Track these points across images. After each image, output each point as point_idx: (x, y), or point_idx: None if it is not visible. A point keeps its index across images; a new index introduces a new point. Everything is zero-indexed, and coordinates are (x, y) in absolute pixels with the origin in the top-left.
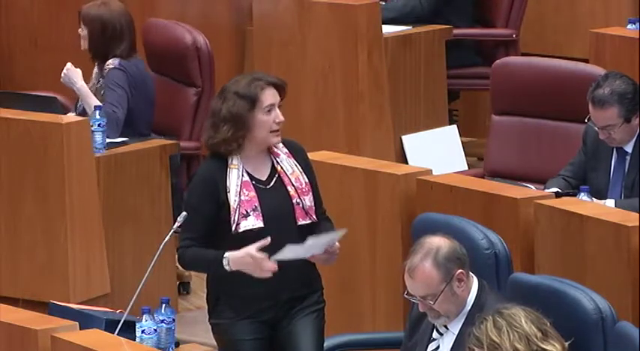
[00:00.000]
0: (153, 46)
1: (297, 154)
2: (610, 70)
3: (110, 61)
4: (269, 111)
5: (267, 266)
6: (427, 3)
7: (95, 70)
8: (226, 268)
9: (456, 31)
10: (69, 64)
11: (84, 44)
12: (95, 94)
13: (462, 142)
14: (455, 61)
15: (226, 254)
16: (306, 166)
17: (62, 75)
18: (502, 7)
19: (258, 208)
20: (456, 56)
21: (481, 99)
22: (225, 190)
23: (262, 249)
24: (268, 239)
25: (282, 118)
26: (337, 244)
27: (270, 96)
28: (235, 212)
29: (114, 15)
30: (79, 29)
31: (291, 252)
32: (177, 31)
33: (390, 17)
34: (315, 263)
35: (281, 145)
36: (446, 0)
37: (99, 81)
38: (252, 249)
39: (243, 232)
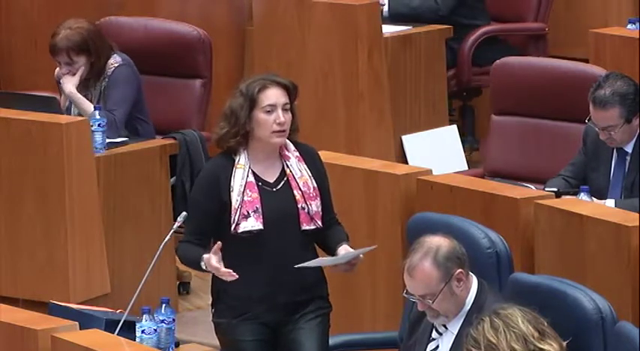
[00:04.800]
0: (149, 45)
1: (309, 158)
2: (611, 71)
3: (110, 60)
4: (269, 111)
5: (223, 273)
6: (443, 4)
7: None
8: (204, 269)
9: (489, 28)
10: (57, 70)
11: (82, 75)
12: (101, 100)
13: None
14: (490, 57)
15: (203, 256)
16: (318, 172)
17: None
18: (532, 2)
19: (260, 209)
20: (491, 53)
21: (481, 99)
22: (228, 190)
23: (264, 253)
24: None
25: (282, 118)
26: (361, 256)
27: (271, 96)
28: (236, 212)
29: (90, 26)
30: (66, 68)
31: (318, 262)
32: (178, 26)
33: (402, 13)
34: (323, 269)
35: (293, 148)
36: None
37: (102, 85)
38: (211, 258)
39: (242, 233)
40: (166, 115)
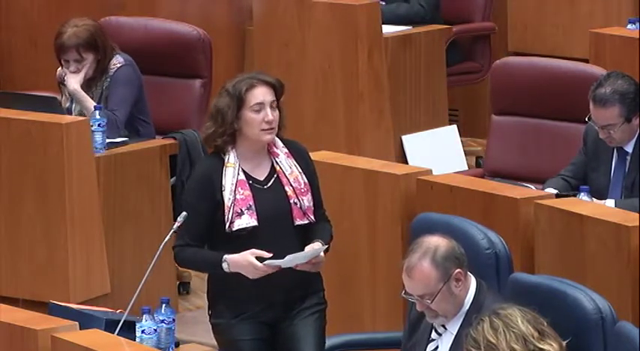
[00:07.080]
0: (149, 45)
1: (298, 154)
2: (612, 70)
3: (113, 60)
4: (257, 110)
5: (262, 269)
6: (428, 6)
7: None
8: (225, 270)
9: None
10: (59, 70)
11: (87, 73)
12: (102, 100)
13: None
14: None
15: (225, 257)
16: (307, 167)
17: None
18: (478, 3)
19: (253, 206)
20: (448, 54)
21: (481, 99)
22: (220, 189)
23: (259, 247)
24: (270, 255)
25: (271, 117)
26: (322, 255)
27: (259, 95)
28: (229, 210)
29: (95, 23)
30: (75, 66)
31: (277, 261)
32: (178, 26)
33: (391, 21)
34: None
35: (281, 145)
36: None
37: (104, 85)
38: (251, 257)
39: (237, 230)
40: (166, 115)
